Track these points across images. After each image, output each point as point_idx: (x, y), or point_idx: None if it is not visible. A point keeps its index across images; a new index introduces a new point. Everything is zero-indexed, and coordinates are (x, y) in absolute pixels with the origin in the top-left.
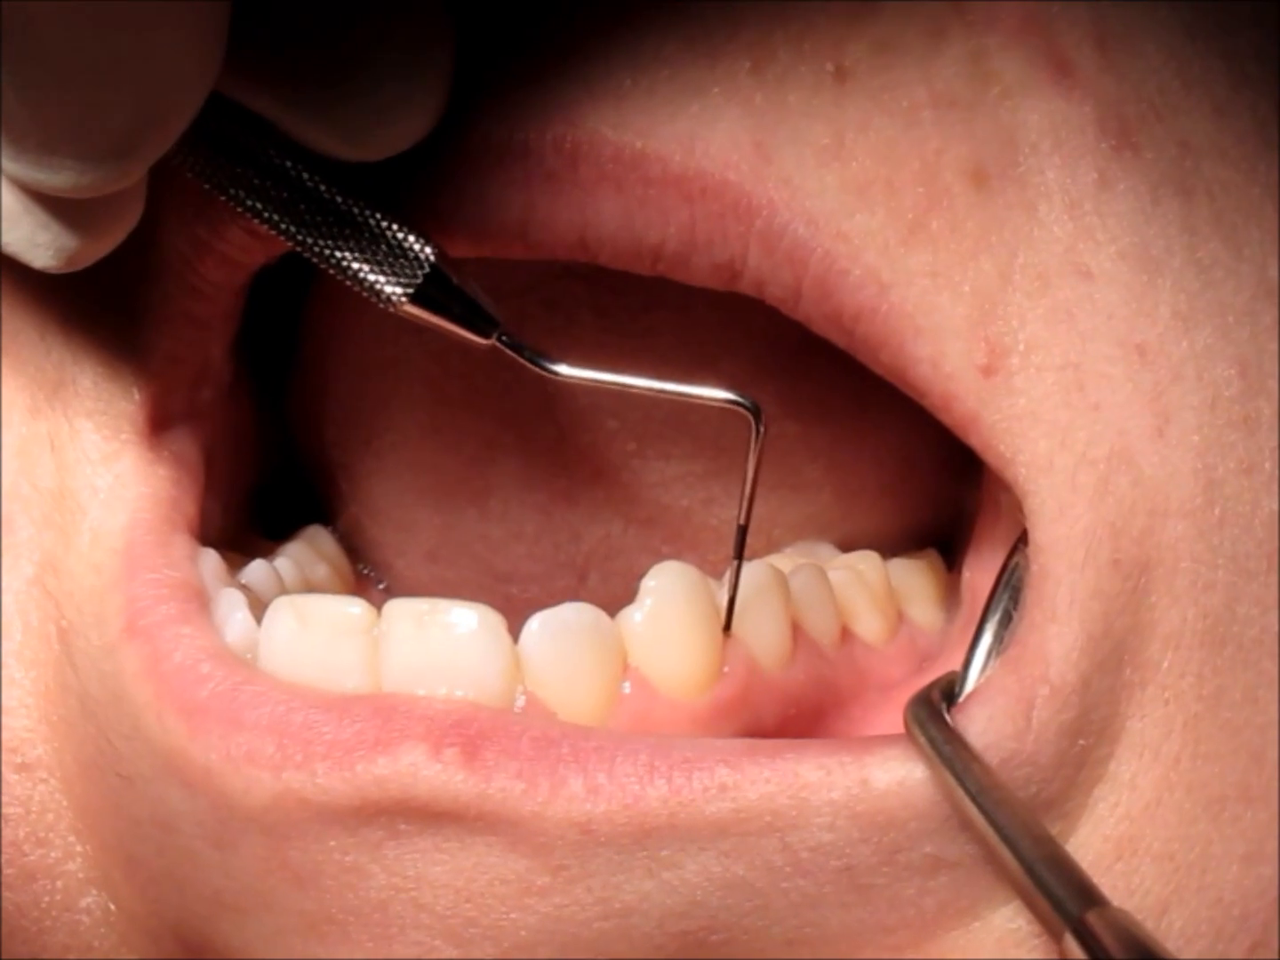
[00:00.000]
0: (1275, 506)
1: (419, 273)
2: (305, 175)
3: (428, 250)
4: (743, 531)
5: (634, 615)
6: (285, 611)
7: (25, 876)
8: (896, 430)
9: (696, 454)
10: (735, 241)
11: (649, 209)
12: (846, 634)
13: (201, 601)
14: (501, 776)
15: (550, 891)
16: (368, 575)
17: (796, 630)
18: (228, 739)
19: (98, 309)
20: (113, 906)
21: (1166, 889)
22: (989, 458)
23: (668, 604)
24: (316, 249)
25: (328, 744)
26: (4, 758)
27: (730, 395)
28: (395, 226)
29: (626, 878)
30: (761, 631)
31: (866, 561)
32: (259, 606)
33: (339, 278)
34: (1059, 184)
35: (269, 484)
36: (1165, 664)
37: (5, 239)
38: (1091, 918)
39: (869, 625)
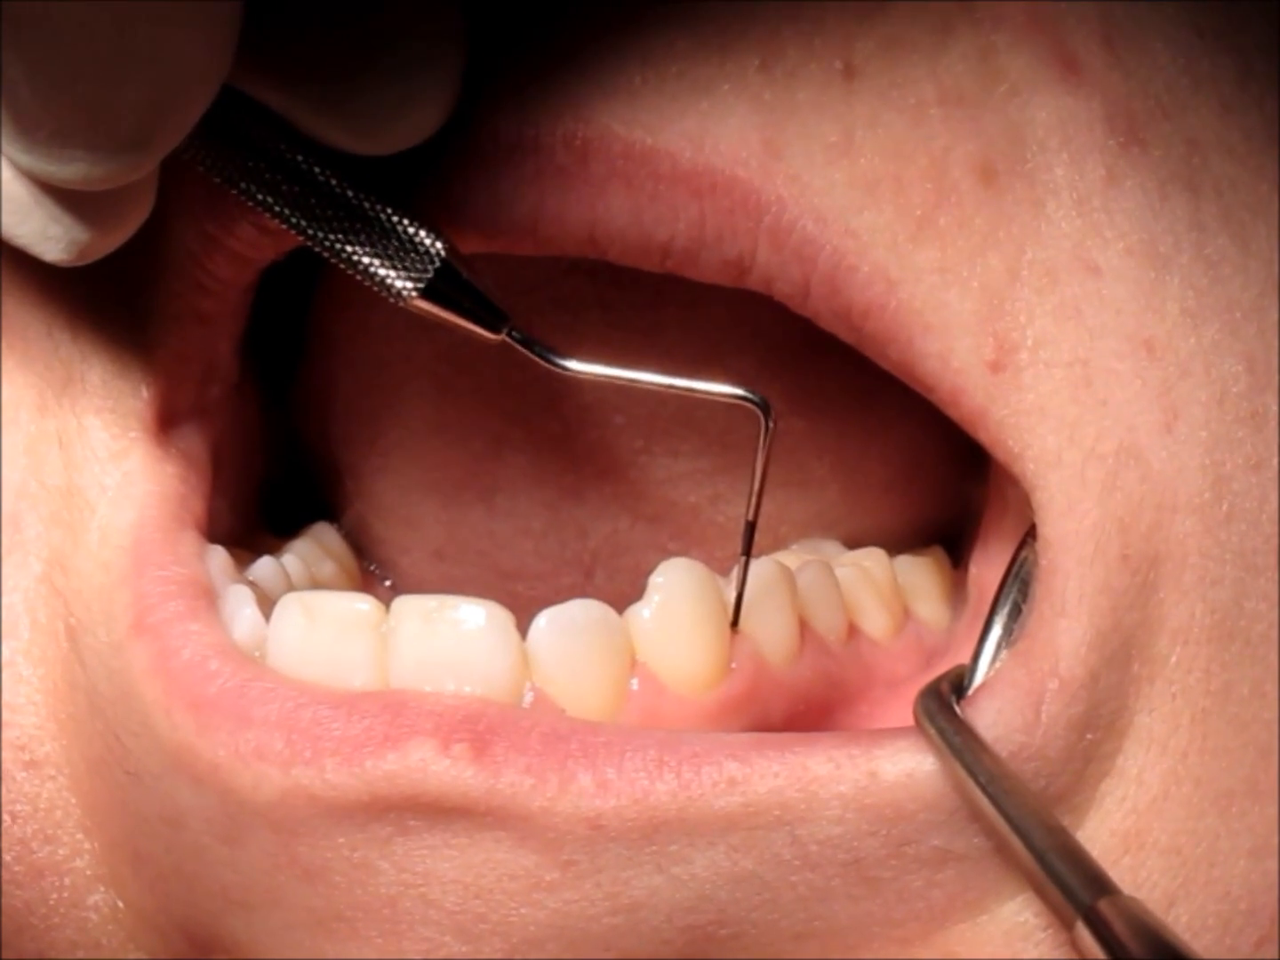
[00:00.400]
0: None
1: (429, 267)
2: (316, 169)
3: (438, 245)
4: (751, 527)
5: (642, 612)
6: (293, 608)
7: (33, 873)
8: (903, 427)
9: (704, 450)
10: (744, 238)
11: (659, 205)
12: (853, 630)
13: (209, 598)
14: (510, 772)
15: (559, 887)
16: (374, 573)
17: (804, 627)
18: (236, 735)
19: (106, 306)
20: (120, 903)
21: (1174, 883)
22: (997, 453)
23: (676, 600)
24: (327, 243)
25: (337, 740)
26: (12, 755)
27: (739, 391)
28: (406, 221)
29: (635, 873)
30: (769, 628)
31: (873, 558)
32: (266, 603)
33: (349, 272)
34: (1067, 180)
35: (276, 482)
36: (1173, 659)
37: (16, 232)
38: (1103, 905)
39: (875, 622)
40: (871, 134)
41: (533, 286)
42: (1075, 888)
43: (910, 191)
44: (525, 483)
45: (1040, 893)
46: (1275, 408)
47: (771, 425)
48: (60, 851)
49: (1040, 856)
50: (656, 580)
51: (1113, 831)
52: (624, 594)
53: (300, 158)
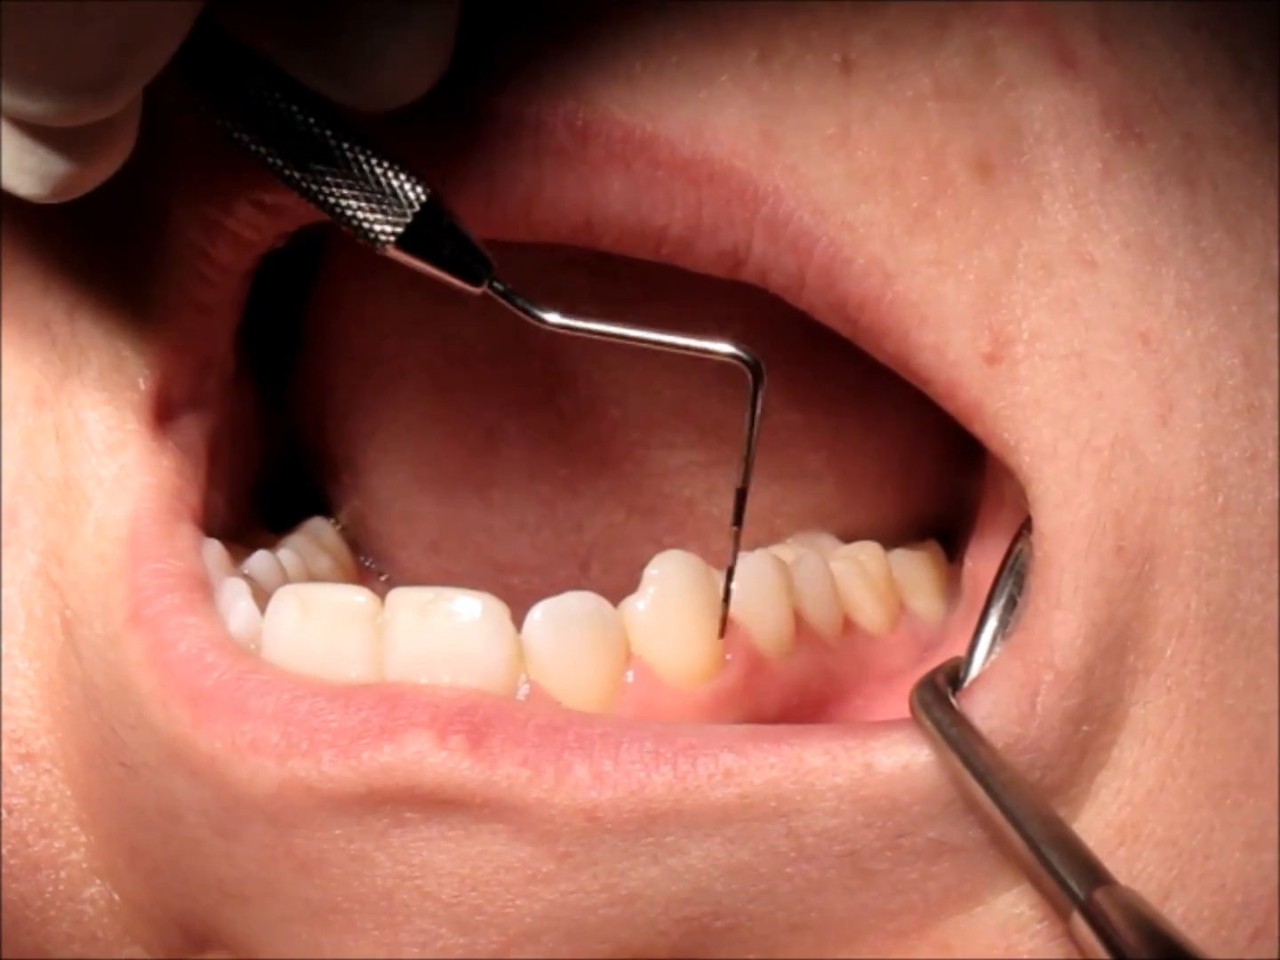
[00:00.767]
0: (1278, 494)
1: (409, 212)
2: (296, 110)
3: (419, 190)
4: (742, 495)
5: (637, 604)
6: (289, 600)
7: (29, 867)
8: (898, 422)
9: (699, 444)
10: (740, 228)
11: (655, 192)
12: (848, 624)
13: (206, 591)
14: (507, 763)
15: (555, 879)
16: (369, 567)
17: (799, 620)
18: (233, 727)
19: (103, 298)
20: (116, 896)
21: (1169, 875)
22: (993, 445)
23: (670, 593)
24: (305, 185)
25: (333, 732)
26: (8, 748)
27: (730, 349)
28: (387, 164)
29: (632, 864)
30: (764, 621)
31: (868, 552)
32: (262, 597)
33: (329, 216)
34: (1064, 173)
35: (272, 476)
36: (1169, 651)
37: None
38: (1099, 896)
39: (870, 615)
40: (868, 127)
41: (529, 281)
42: (1071, 878)
43: (907, 184)
44: (521, 476)
45: (1036, 884)
46: (1271, 400)
47: (763, 386)
48: (56, 845)
49: (1036, 847)
50: (651, 573)
51: (1108, 823)
52: (619, 587)
53: (281, 98)
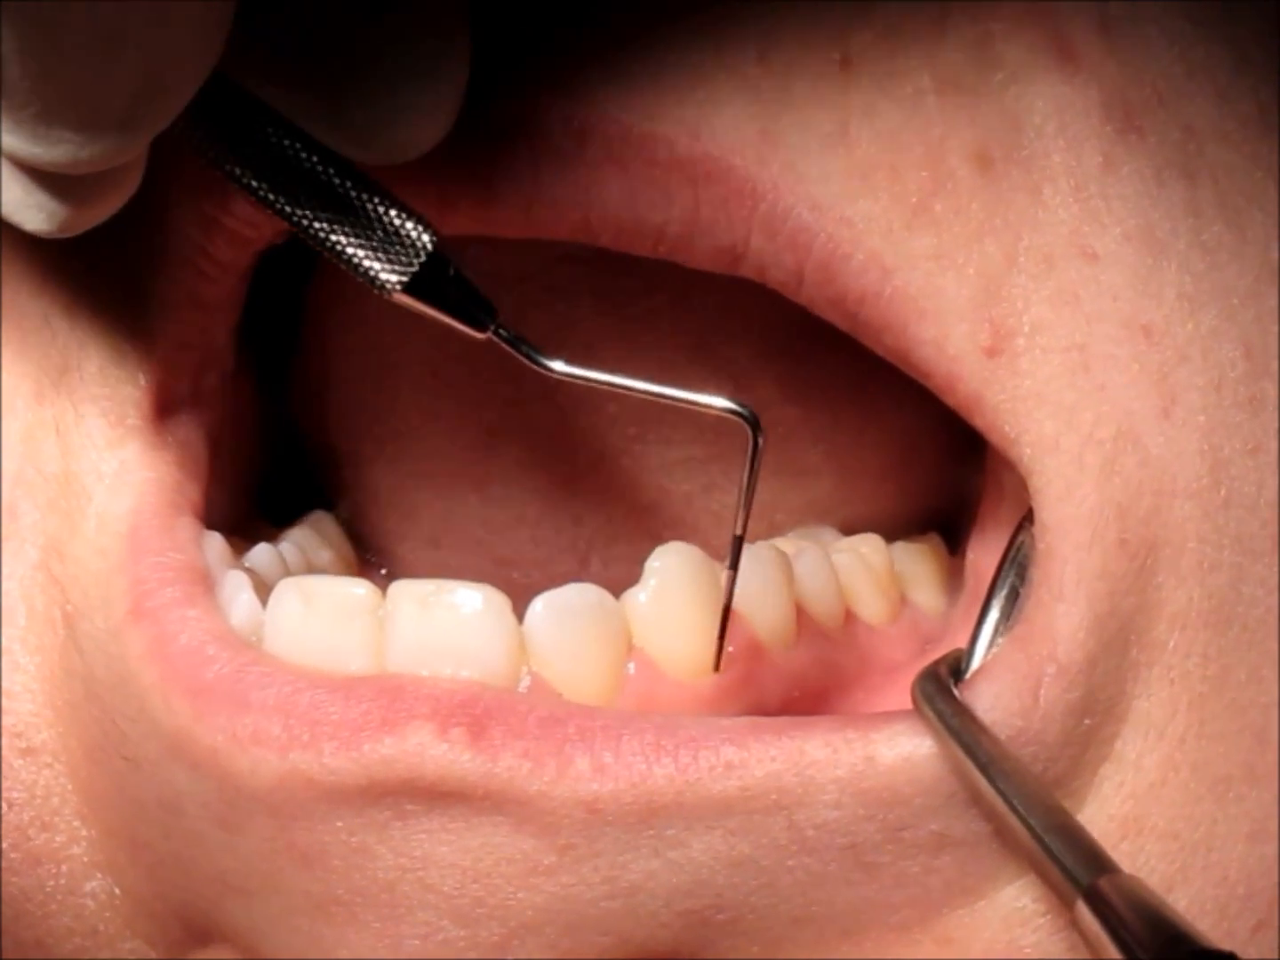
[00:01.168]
0: (1279, 487)
1: (415, 260)
2: (304, 155)
3: (426, 237)
4: (739, 542)
5: (638, 596)
6: (290, 593)
7: (30, 861)
8: (897, 415)
9: (698, 439)
10: (738, 225)
11: (653, 190)
12: (849, 616)
13: (207, 584)
14: (508, 756)
15: (557, 871)
16: (370, 561)
17: (800, 612)
18: (234, 720)
19: (103, 294)
20: (117, 890)
21: (1171, 867)
22: (994, 438)
23: (672, 585)
24: (312, 231)
25: (334, 724)
26: (9, 743)
27: (728, 404)
28: (394, 211)
29: (633, 857)
30: (766, 613)
31: (869, 544)
32: (263, 590)
33: (334, 261)
34: (1064, 167)
35: (272, 471)
36: (1171, 644)
37: None
38: (1103, 884)
39: (872, 607)
40: (868, 123)
41: (526, 275)
42: (1075, 866)
43: (906, 179)
44: (520, 471)
45: (1040, 872)
46: (1272, 393)
47: (761, 440)
48: (57, 838)
49: (1040, 836)
50: (653, 565)
51: (1111, 816)
52: (619, 581)
53: (288, 143)
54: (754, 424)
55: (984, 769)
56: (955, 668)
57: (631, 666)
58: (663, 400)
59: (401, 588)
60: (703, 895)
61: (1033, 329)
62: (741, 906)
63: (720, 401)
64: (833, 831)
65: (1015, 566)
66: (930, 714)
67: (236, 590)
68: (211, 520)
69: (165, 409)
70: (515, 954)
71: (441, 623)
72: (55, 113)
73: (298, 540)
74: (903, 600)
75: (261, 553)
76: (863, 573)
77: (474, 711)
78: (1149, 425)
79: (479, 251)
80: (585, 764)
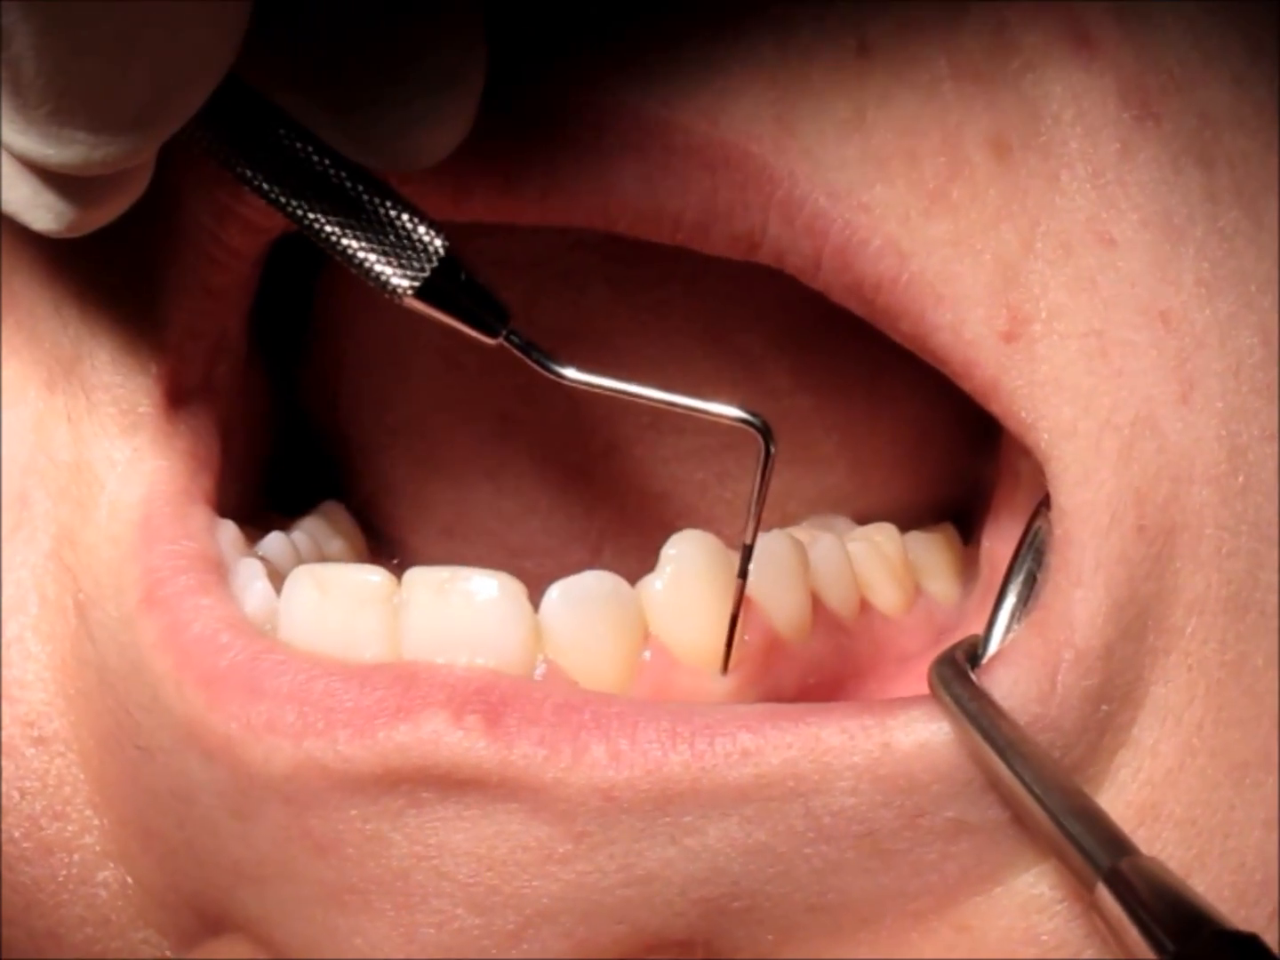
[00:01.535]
0: None
1: (427, 265)
2: (316, 158)
3: (438, 242)
4: (748, 551)
5: (654, 583)
6: (305, 580)
7: (42, 850)
8: (911, 404)
9: (712, 427)
10: (755, 212)
11: (670, 177)
12: (864, 605)
13: (220, 572)
14: (523, 743)
15: (572, 859)
16: (382, 551)
17: (815, 601)
18: (248, 708)
19: (115, 283)
20: (130, 879)
21: (1189, 854)
22: (1010, 424)
23: (688, 572)
24: (324, 235)
25: (349, 712)
26: (21, 731)
27: (740, 413)
28: (406, 216)
29: (649, 844)
30: (781, 601)
31: (883, 533)
32: (276, 578)
33: (346, 265)
34: (1081, 153)
35: (283, 460)
36: (1189, 630)
37: (3, 199)
38: (1124, 866)
39: (886, 596)
40: (884, 110)
41: (538, 261)
42: (1095, 850)
43: (923, 165)
44: (533, 460)
45: (1059, 856)
46: None
47: (772, 450)
48: (69, 828)
49: (1059, 819)
50: (669, 552)
51: (1128, 803)
52: (632, 570)
53: (300, 146)
54: (766, 433)
55: (1002, 752)
56: (972, 653)
57: (647, 654)
58: (675, 409)
59: (416, 575)
60: (719, 883)
61: (1050, 314)
62: (758, 894)
63: (733, 411)
64: (849, 818)
65: (1032, 552)
66: (947, 698)
67: (250, 578)
68: (223, 509)
69: (177, 397)
70: (530, 942)
71: (457, 610)
72: (68, 113)
73: (310, 529)
74: (917, 590)
75: (274, 541)
76: (877, 562)
77: (489, 699)
78: (1167, 411)
79: (491, 238)
80: (601, 751)
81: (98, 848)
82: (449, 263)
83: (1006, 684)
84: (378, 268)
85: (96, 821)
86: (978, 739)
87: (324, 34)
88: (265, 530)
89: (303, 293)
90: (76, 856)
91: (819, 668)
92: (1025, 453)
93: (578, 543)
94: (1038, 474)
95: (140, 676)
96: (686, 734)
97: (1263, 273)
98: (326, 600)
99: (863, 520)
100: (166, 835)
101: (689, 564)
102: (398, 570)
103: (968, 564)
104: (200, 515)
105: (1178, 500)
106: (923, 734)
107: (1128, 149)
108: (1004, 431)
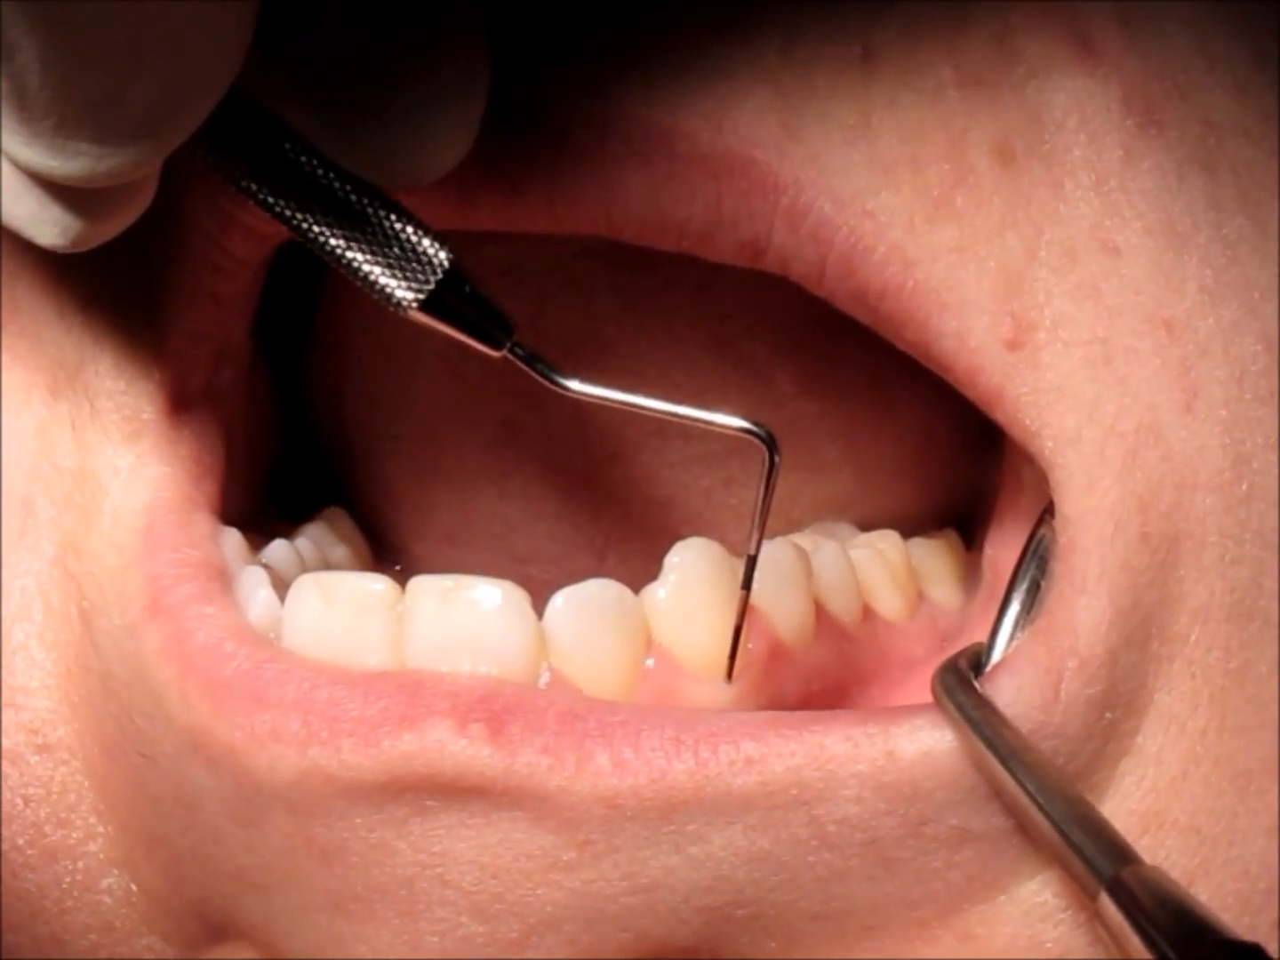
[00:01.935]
0: None
1: (431, 278)
2: (319, 171)
3: (442, 255)
4: (752, 562)
5: (658, 591)
6: (309, 589)
7: (47, 857)
8: (915, 411)
9: (715, 434)
10: (760, 219)
11: (675, 185)
12: (867, 612)
13: (224, 580)
14: (527, 751)
15: (576, 867)
16: (385, 558)
17: (818, 608)
18: (252, 716)
19: (119, 289)
20: (134, 887)
21: (1193, 862)
22: (1014, 431)
23: (692, 580)
24: (328, 247)
25: (353, 720)
26: (25, 738)
27: (744, 424)
28: (410, 228)
29: (653, 852)
30: (784, 609)
31: (887, 540)
32: (280, 586)
33: (350, 278)
34: (1085, 161)
35: (287, 467)
36: (1193, 638)
37: (12, 212)
38: (1126, 876)
39: (890, 603)
40: (889, 116)
41: (544, 269)
42: (1098, 858)
43: (928, 172)
44: (537, 466)
45: (1063, 865)
46: None
47: (776, 459)
48: (73, 835)
49: (1062, 828)
50: (672, 560)
51: (1132, 811)
52: (637, 577)
53: (304, 159)
54: (771, 444)
55: (1005, 761)
56: (975, 661)
57: (651, 662)
58: (680, 419)
59: (421, 583)
60: (723, 891)
61: (1054, 322)
62: (762, 902)
63: (738, 421)
64: (853, 826)
65: (1036, 560)
66: (951, 706)
67: (254, 586)
68: (227, 516)
69: (180, 404)
70: (534, 950)
71: (461, 618)
72: (74, 125)
73: (313, 536)
74: (920, 596)
75: (278, 549)
76: (881, 568)
77: (493, 707)
78: (1171, 419)
79: (496, 246)
80: (605, 759)
81: (102, 855)
82: (453, 275)
83: (1010, 692)
84: (382, 281)
85: (100, 828)
86: (981, 747)
87: (327, 48)
88: (269, 537)
89: (306, 299)
90: (80, 863)
91: (822, 675)
92: (1029, 460)
93: (582, 549)
94: (1041, 481)
95: (144, 684)
96: (690, 742)
97: (1266, 280)
98: (330, 608)
99: (866, 526)
100: (170, 842)
101: (692, 572)
102: (401, 577)
103: (971, 570)
104: (204, 522)
105: (1181, 508)
106: (926, 742)
107: (1131, 156)
108: (1007, 439)
